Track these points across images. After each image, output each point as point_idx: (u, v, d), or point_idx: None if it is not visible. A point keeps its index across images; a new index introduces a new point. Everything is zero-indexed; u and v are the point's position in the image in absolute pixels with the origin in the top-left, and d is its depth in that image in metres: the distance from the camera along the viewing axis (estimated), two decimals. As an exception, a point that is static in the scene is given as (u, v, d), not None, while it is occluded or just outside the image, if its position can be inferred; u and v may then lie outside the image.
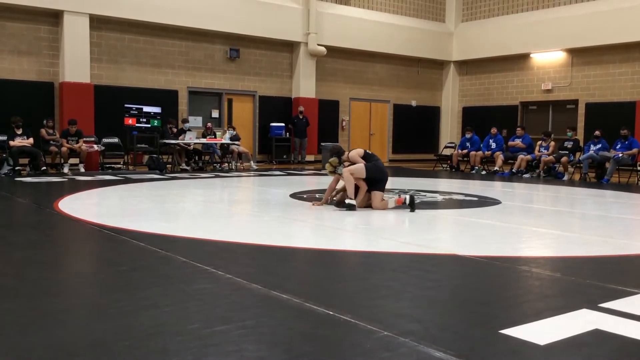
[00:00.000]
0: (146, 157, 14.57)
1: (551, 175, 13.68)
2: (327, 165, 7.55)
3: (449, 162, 16.41)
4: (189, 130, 14.30)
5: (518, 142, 14.78)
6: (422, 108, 21.10)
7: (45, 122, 12.88)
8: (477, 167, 15.21)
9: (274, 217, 6.70)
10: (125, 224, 5.82)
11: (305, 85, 17.85)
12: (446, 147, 18.45)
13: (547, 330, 2.89)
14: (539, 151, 14.15)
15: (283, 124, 17.53)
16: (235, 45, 16.79)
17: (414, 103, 20.91)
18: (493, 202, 8.54)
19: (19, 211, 7.40)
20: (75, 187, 9.63)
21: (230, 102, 17.25)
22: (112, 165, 13.95)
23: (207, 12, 15.68)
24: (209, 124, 15.48)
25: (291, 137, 17.60)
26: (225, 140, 14.67)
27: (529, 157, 14.21)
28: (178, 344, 2.62)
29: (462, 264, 4.49)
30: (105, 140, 13.98)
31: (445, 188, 10.98)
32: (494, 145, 15.26)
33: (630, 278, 4.20)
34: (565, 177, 13.34)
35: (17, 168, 11.85)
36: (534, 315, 3.14)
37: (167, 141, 13.82)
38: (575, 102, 17.99)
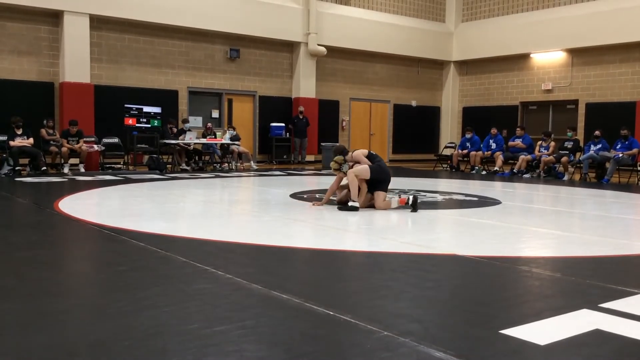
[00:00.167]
0: (146, 157, 14.58)
1: (551, 176, 13.68)
2: (332, 163, 7.58)
3: (449, 162, 16.41)
4: (189, 130, 14.30)
5: (518, 142, 14.78)
6: (422, 108, 21.10)
7: (45, 122, 12.88)
8: (477, 167, 15.21)
9: (274, 217, 6.70)
10: (125, 224, 5.82)
11: (305, 85, 17.85)
12: (446, 147, 18.44)
13: (547, 330, 2.89)
14: (539, 151, 14.14)
15: (283, 124, 17.54)
16: (236, 46, 16.79)
17: (414, 103, 20.91)
18: (493, 202, 8.54)
19: (19, 211, 7.40)
20: (76, 187, 9.63)
21: (230, 102, 17.26)
22: (112, 166, 13.95)
23: (207, 12, 15.68)
24: (209, 124, 15.48)
25: (291, 137, 17.60)
26: (226, 140, 14.67)
27: (529, 157, 14.21)
28: (178, 344, 2.62)
29: (462, 264, 4.49)
30: (105, 140, 13.98)
31: (445, 188, 10.98)
32: (494, 146, 15.26)
33: (631, 278, 4.20)
34: (566, 177, 13.34)
35: (17, 168, 11.85)
36: (534, 315, 3.14)
37: (167, 141, 13.83)
38: (575, 102, 17.99)
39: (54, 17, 14.20)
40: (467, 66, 20.99)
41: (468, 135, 16.01)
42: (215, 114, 17.04)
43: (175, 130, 14.51)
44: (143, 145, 14.44)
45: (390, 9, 19.81)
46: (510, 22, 19.18)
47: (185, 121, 14.88)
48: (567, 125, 15.38)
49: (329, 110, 18.67)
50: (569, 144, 13.97)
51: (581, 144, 14.60)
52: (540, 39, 18.14)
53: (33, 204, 7.76)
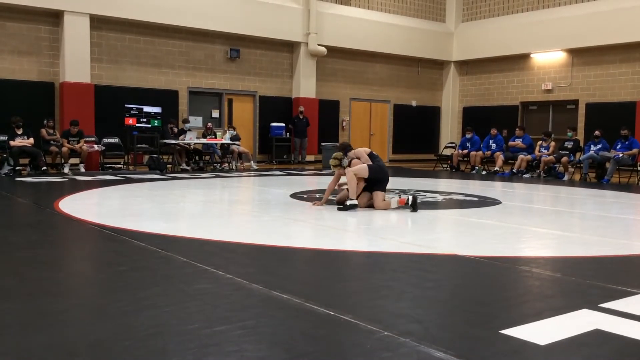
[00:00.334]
0: (146, 157, 14.58)
1: (551, 176, 13.68)
2: (331, 160, 7.55)
3: (449, 162, 16.41)
4: (189, 130, 14.31)
5: (518, 142, 14.78)
6: (423, 108, 21.10)
7: (45, 122, 12.89)
8: (477, 167, 15.21)
9: (274, 217, 6.70)
10: (125, 224, 5.82)
11: (305, 85, 17.85)
12: (446, 147, 18.44)
13: (548, 330, 2.89)
14: (539, 151, 14.14)
15: (283, 124, 17.54)
16: (236, 46, 16.79)
17: (414, 103, 20.91)
18: (493, 202, 8.54)
19: (19, 211, 7.40)
20: (76, 187, 9.63)
21: (230, 102, 17.26)
22: (113, 166, 13.96)
23: (207, 12, 15.68)
24: (209, 124, 15.48)
25: (291, 137, 17.60)
26: (226, 140, 14.67)
27: (529, 157, 14.20)
28: (178, 344, 2.62)
29: (462, 264, 4.49)
30: (105, 140, 13.98)
31: (445, 188, 10.98)
32: (494, 146, 15.25)
33: (631, 278, 4.20)
34: (566, 177, 13.33)
35: (17, 168, 11.86)
36: (534, 315, 3.14)
37: (167, 141, 13.83)
38: (575, 102, 17.99)
39: (55, 17, 14.20)
40: (467, 66, 20.99)
41: (468, 135, 16.01)
42: (215, 114, 17.04)
43: (176, 130, 14.51)
44: (143, 145, 14.45)
45: (391, 9, 19.81)
46: (510, 22, 19.17)
47: (186, 121, 14.88)
48: (567, 125, 15.39)
49: (329, 110, 18.68)
50: (569, 144, 13.97)
51: (581, 144, 14.60)
52: (541, 39, 18.14)
53: (33, 203, 7.76)
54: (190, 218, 6.91)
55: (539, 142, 14.36)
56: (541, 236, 5.82)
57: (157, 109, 14.96)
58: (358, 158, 7.38)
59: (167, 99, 15.67)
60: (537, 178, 13.51)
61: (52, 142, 12.78)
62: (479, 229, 6.14)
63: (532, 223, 6.69)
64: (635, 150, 12.81)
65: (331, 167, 7.65)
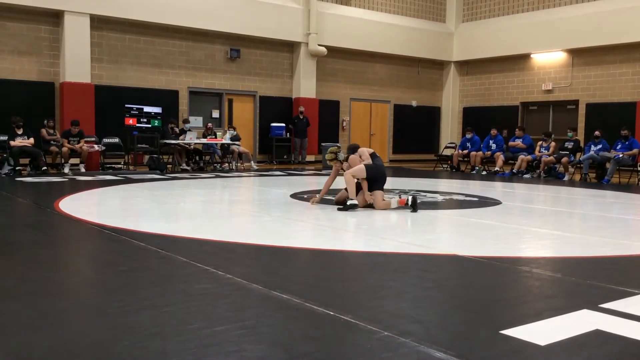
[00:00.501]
0: (147, 157, 14.58)
1: (552, 176, 13.67)
2: (327, 155, 7.70)
3: (449, 162, 16.40)
4: (189, 130, 14.31)
5: (519, 142, 14.78)
6: (423, 108, 21.10)
7: (45, 122, 12.89)
8: (477, 168, 15.21)
9: (275, 217, 6.70)
10: (125, 224, 5.82)
11: (305, 85, 17.85)
12: (446, 147, 18.44)
13: (548, 330, 2.89)
14: (539, 151, 14.14)
15: (283, 124, 17.54)
16: (236, 46, 16.79)
17: (414, 103, 20.90)
18: (493, 202, 8.54)
19: (20, 211, 7.40)
20: (76, 187, 9.63)
21: (230, 102, 17.26)
22: (113, 166, 13.96)
23: (207, 12, 15.68)
24: (210, 124, 15.48)
25: (291, 137, 17.60)
26: (226, 140, 14.67)
27: (529, 157, 14.20)
28: (178, 344, 2.62)
29: (463, 264, 4.49)
30: (105, 140, 13.98)
31: (445, 188, 10.98)
32: (494, 146, 15.25)
33: (631, 278, 4.19)
34: (566, 178, 13.33)
35: (17, 168, 11.86)
36: (535, 315, 3.14)
37: (167, 141, 13.83)
38: (575, 102, 17.99)
39: (55, 17, 14.20)
40: (468, 66, 20.99)
41: (468, 136, 16.01)
42: (215, 114, 17.04)
43: (177, 130, 14.51)
44: (143, 145, 14.45)
45: (391, 9, 19.81)
46: (510, 23, 19.17)
47: (186, 121, 14.88)
48: (567, 126, 15.40)
49: (329, 111, 18.67)
50: (569, 144, 13.96)
51: (581, 144, 14.60)
52: (541, 39, 18.14)
53: (33, 203, 7.76)
54: (191, 218, 6.91)
55: (539, 143, 14.35)
56: (541, 236, 5.82)
57: (157, 109, 14.95)
58: (360, 157, 7.44)
59: (167, 99, 15.67)
60: (537, 178, 13.51)
61: (52, 142, 12.78)
62: (479, 229, 6.14)
63: (533, 223, 6.69)
64: (635, 151, 12.81)
65: (328, 162, 7.79)
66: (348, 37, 18.37)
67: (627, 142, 12.95)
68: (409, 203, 7.15)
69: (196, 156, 14.97)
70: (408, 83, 20.70)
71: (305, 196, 8.68)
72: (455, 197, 9.37)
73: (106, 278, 3.94)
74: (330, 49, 17.96)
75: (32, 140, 12.29)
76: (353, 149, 7.65)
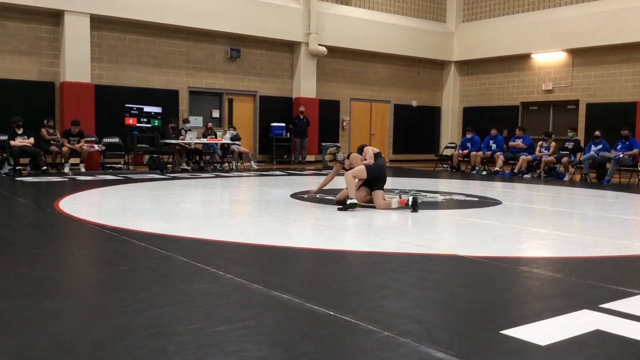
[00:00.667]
0: (147, 157, 14.58)
1: (552, 176, 13.67)
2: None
3: (449, 162, 16.40)
4: (190, 130, 14.30)
5: (519, 142, 14.78)
6: (423, 108, 21.10)
7: (45, 122, 12.89)
8: (477, 168, 15.20)
9: (275, 217, 6.70)
10: (125, 224, 5.82)
11: (305, 85, 17.85)
12: (447, 147, 18.44)
13: (548, 330, 2.89)
14: (539, 152, 14.14)
15: (284, 124, 17.54)
16: (236, 45, 16.79)
17: (414, 103, 20.90)
18: (494, 202, 8.54)
19: (20, 211, 7.40)
20: (76, 187, 9.63)
21: (230, 102, 17.26)
22: (113, 165, 13.96)
23: (208, 12, 15.68)
24: (210, 124, 15.48)
25: (292, 137, 17.60)
26: (226, 140, 14.67)
27: (529, 157, 14.20)
28: (178, 344, 2.62)
29: (463, 264, 4.49)
30: (105, 140, 13.98)
31: (445, 188, 10.97)
32: (494, 146, 15.25)
33: (631, 278, 4.19)
34: (566, 178, 13.33)
35: (17, 168, 11.86)
36: (535, 315, 3.13)
37: (167, 141, 13.83)
38: (576, 102, 17.98)
39: (55, 17, 14.20)
40: (468, 66, 20.98)
41: (468, 136, 16.01)
42: (215, 113, 17.04)
43: (178, 129, 14.49)
44: (143, 145, 14.45)
45: (391, 9, 19.81)
46: (510, 22, 19.17)
47: (186, 121, 14.88)
48: (567, 126, 15.39)
49: (329, 111, 18.68)
50: (569, 145, 13.96)
51: (582, 144, 14.60)
52: (541, 39, 18.14)
53: (33, 203, 7.76)
54: (191, 218, 6.90)
55: (540, 143, 14.35)
56: (541, 236, 5.82)
57: (158, 109, 14.94)
58: (364, 156, 7.49)
59: (167, 98, 15.67)
60: (538, 178, 13.51)
61: (52, 141, 12.78)
62: (480, 229, 6.13)
63: (533, 223, 6.69)
64: (635, 151, 12.81)
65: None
66: (348, 37, 18.36)
67: (627, 142, 12.95)
68: (410, 203, 7.16)
69: (196, 156, 14.97)
70: (408, 83, 20.70)
71: (306, 196, 8.67)
72: (455, 197, 9.37)
73: (106, 278, 3.94)
74: (331, 49, 17.96)
75: (32, 140, 12.29)
76: (360, 149, 7.69)
